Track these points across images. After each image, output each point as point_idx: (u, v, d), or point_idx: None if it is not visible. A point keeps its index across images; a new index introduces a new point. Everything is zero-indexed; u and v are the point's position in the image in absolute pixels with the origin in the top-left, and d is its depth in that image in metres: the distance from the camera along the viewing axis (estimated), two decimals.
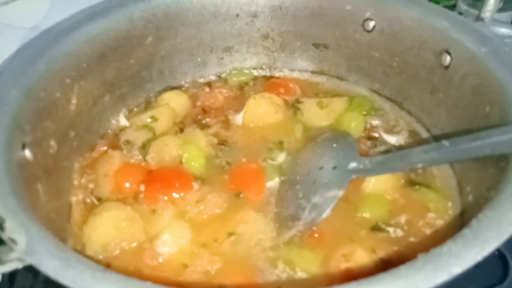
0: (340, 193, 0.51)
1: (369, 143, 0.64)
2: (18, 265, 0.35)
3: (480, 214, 0.36)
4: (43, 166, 0.51)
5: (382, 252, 0.49)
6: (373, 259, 0.47)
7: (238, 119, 0.68)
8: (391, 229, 0.52)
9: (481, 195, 0.48)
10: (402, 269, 0.33)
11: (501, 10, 0.88)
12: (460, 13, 0.82)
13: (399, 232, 0.52)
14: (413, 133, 0.66)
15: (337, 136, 0.60)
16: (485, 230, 0.35)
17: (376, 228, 0.52)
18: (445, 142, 0.45)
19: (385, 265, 0.47)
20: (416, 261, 0.33)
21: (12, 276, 0.58)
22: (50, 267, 0.34)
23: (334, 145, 0.57)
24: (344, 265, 0.47)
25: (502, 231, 0.34)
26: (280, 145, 0.63)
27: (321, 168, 0.54)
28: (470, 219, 0.36)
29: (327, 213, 0.50)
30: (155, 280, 0.33)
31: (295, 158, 0.60)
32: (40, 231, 0.37)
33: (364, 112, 0.68)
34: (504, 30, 0.82)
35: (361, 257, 0.47)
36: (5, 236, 0.36)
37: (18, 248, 0.35)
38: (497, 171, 0.44)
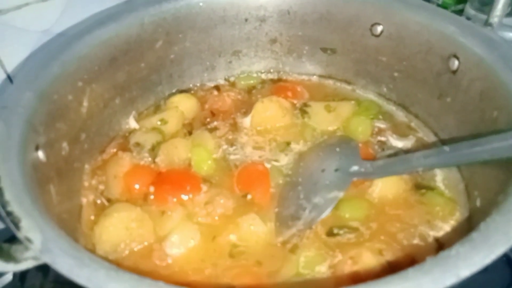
0: (341, 194, 0.52)
1: (376, 147, 0.64)
2: (33, 264, 0.36)
3: (488, 218, 0.36)
4: (55, 167, 0.52)
5: (389, 255, 0.49)
6: (380, 262, 0.48)
7: (246, 122, 0.68)
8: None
9: (489, 199, 0.48)
10: (411, 271, 0.33)
11: (509, 14, 0.88)
12: (468, 18, 0.82)
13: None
14: (420, 137, 0.66)
15: (340, 141, 0.62)
16: (493, 234, 0.35)
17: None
18: (446, 148, 0.46)
19: (392, 268, 0.48)
20: (424, 264, 0.33)
21: (23, 275, 0.59)
22: (64, 266, 0.34)
23: (337, 149, 0.57)
24: (351, 268, 0.47)
25: (510, 235, 0.35)
26: (287, 148, 0.64)
27: (323, 170, 0.55)
28: (477, 224, 0.37)
29: (326, 213, 0.51)
30: (165, 281, 0.34)
31: (298, 160, 0.60)
32: (54, 230, 0.38)
33: (372, 116, 0.69)
34: None
35: (368, 259, 0.48)
36: (20, 235, 0.36)
37: (34, 247, 0.36)
38: (505, 176, 0.44)
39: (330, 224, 0.52)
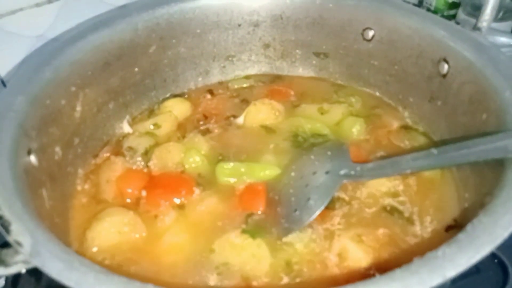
0: (331, 196, 0.52)
1: (368, 148, 0.64)
2: (23, 268, 0.36)
3: (475, 219, 0.37)
4: (48, 171, 0.52)
5: (377, 254, 0.50)
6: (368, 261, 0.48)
7: (239, 124, 0.69)
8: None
9: (479, 201, 0.49)
10: (398, 272, 0.33)
11: (501, 19, 0.89)
12: (458, 23, 0.83)
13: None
14: (412, 139, 0.67)
15: (331, 145, 0.62)
16: (479, 235, 0.35)
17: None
18: (434, 150, 0.47)
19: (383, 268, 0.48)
20: (411, 265, 0.34)
21: (15, 280, 0.59)
22: (54, 269, 0.34)
23: (329, 152, 0.58)
24: (339, 266, 0.48)
25: (496, 235, 0.35)
26: (279, 149, 0.64)
27: (314, 173, 0.55)
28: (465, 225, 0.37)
29: (316, 214, 0.51)
30: (156, 284, 0.34)
31: (290, 163, 0.61)
32: (44, 234, 0.38)
33: (364, 119, 0.69)
34: (503, 39, 0.83)
35: (357, 257, 0.48)
36: (10, 239, 0.37)
37: (23, 251, 0.36)
38: (493, 178, 0.45)
39: None
